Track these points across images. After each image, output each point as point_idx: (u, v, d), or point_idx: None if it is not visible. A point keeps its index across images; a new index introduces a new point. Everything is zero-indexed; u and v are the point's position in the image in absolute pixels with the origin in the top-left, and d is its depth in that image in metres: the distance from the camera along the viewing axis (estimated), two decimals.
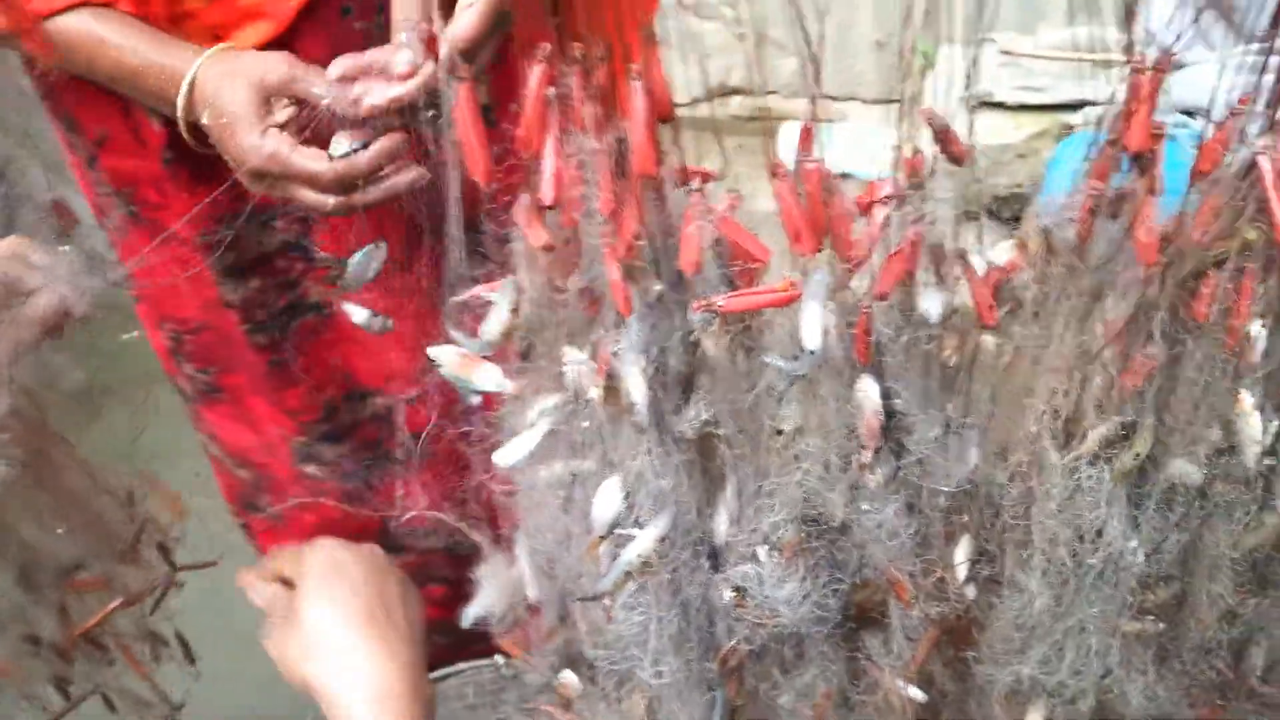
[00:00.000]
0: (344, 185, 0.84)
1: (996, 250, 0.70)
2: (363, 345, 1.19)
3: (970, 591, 0.78)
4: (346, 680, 0.78)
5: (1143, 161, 0.59)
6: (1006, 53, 1.81)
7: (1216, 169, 0.59)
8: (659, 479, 0.70)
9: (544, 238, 0.60)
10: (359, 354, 1.21)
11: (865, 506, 0.72)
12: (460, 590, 1.43)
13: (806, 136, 0.62)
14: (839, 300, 0.65)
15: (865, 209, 0.63)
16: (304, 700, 0.84)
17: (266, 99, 0.84)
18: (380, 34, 0.90)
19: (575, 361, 0.68)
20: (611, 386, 0.66)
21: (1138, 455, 0.68)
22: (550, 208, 0.60)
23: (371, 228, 1.02)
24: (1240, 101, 0.57)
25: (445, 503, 1.29)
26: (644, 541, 0.72)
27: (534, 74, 0.58)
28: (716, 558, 0.76)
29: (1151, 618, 0.77)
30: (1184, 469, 0.69)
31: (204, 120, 0.86)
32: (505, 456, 0.74)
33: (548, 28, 0.57)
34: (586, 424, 0.68)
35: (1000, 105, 2.00)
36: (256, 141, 0.83)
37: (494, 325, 0.70)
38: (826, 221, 0.61)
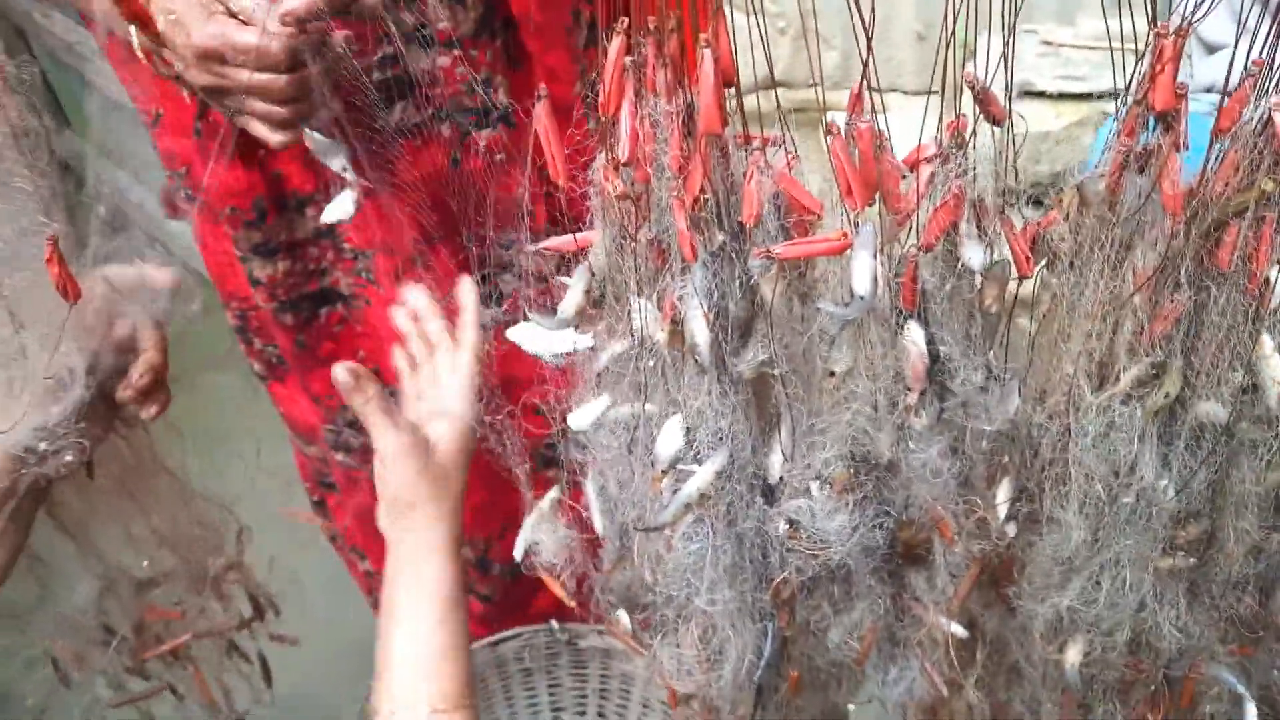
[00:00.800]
0: (294, 56, 0.86)
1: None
2: (392, 340, 1.20)
3: (1011, 529, 0.84)
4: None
5: (1167, 119, 0.64)
6: (1046, 43, 1.84)
7: (1235, 126, 0.64)
8: (718, 417, 0.76)
9: (620, 189, 0.67)
10: (386, 349, 1.22)
11: (911, 446, 0.78)
12: (493, 607, 1.49)
13: (857, 100, 0.68)
14: (888, 252, 0.71)
15: (913, 167, 0.69)
16: None
17: None
18: None
19: (642, 308, 0.75)
20: (676, 329, 0.72)
21: (1167, 395, 0.73)
22: (626, 164, 0.67)
23: (394, 224, 1.08)
24: (1255, 63, 0.62)
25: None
26: (703, 476, 0.78)
27: (614, 45, 0.64)
28: (770, 493, 0.82)
29: (1183, 553, 0.82)
30: (1211, 409, 0.74)
31: (160, 27, 0.87)
32: (578, 420, 0.81)
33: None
34: (652, 363, 0.74)
35: (1040, 94, 2.04)
36: (206, 29, 0.85)
37: (570, 305, 0.78)
38: (877, 177, 0.67)
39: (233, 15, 0.86)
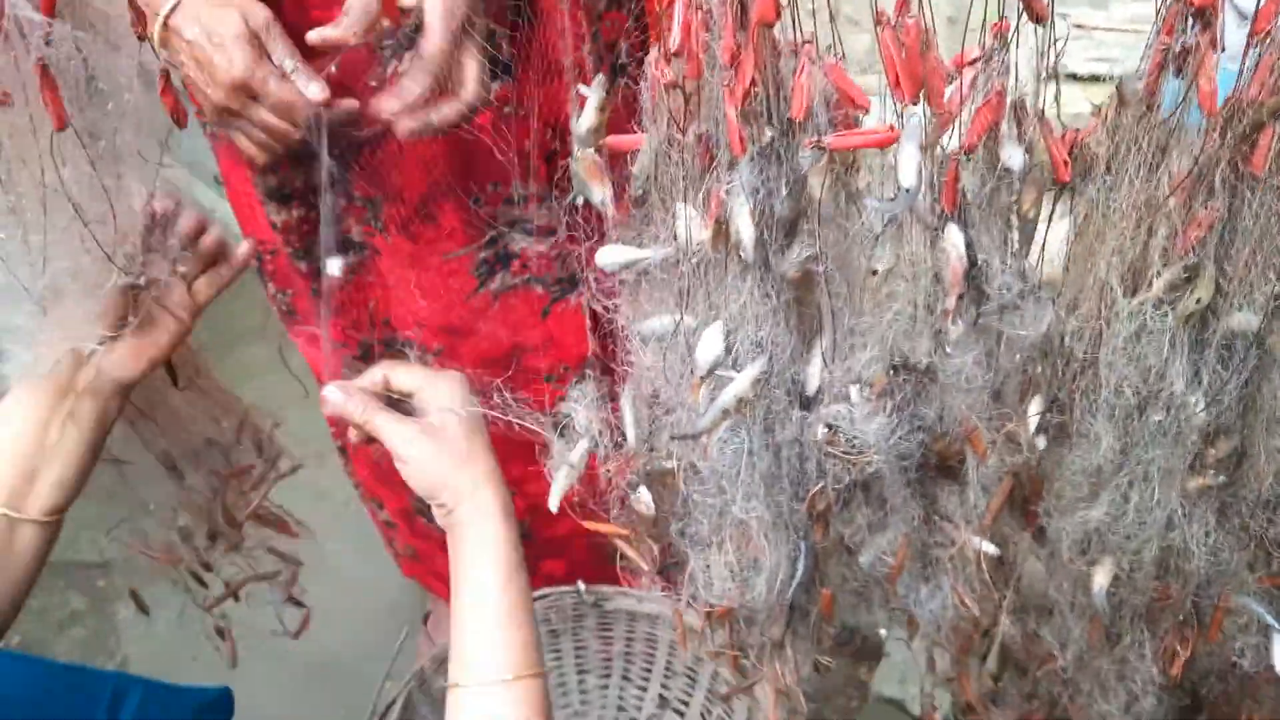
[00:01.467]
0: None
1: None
2: (400, 292, 1.25)
3: (1041, 442, 0.85)
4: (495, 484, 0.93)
5: (1205, 17, 0.66)
6: (1079, 26, 1.87)
7: (1270, 26, 0.66)
8: (759, 323, 0.78)
9: (670, 77, 0.69)
10: (397, 300, 1.26)
11: (948, 351, 0.79)
12: None
13: (904, 1, 0.70)
14: (930, 155, 0.73)
15: (959, 67, 0.71)
16: None
17: (253, 34, 0.93)
18: None
19: (685, 214, 0.77)
20: (721, 228, 0.74)
21: (1199, 300, 0.75)
22: (677, 55, 0.69)
23: (399, 179, 1.12)
24: None
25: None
26: (742, 382, 0.79)
27: None
28: (808, 404, 0.84)
29: (1212, 471, 0.83)
30: (1243, 318, 0.76)
31: (188, 37, 0.93)
32: (605, 257, 0.82)
33: None
34: (691, 267, 0.76)
35: (1072, 76, 2.06)
36: (250, 66, 0.92)
37: (586, 120, 0.79)
38: (923, 72, 0.69)
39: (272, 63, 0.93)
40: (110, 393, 0.94)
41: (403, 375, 0.98)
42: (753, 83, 0.69)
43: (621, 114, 1.07)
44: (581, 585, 1.43)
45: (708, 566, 0.91)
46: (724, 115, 0.70)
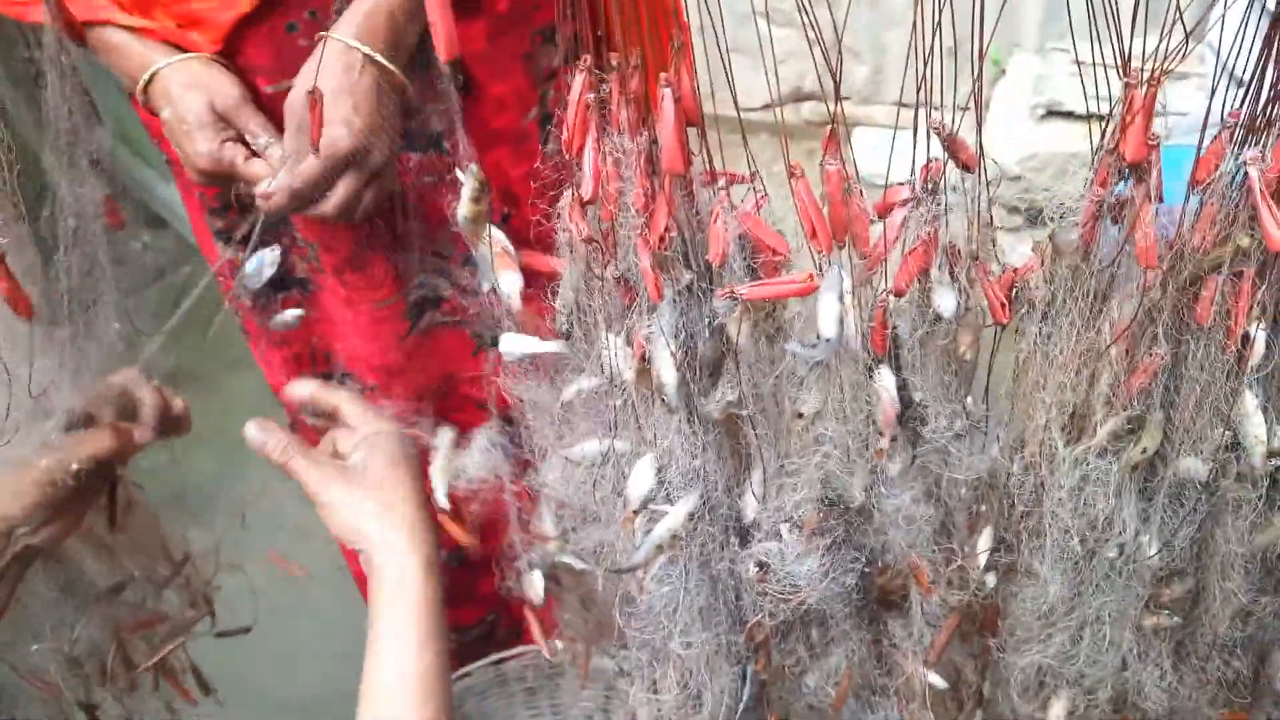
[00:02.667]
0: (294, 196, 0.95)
1: (1016, 253, 0.74)
2: (343, 328, 1.25)
3: (991, 580, 0.82)
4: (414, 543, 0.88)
5: (1140, 170, 0.63)
6: (1078, 63, 1.81)
7: (1211, 178, 0.63)
8: (690, 457, 0.76)
9: (585, 230, 0.67)
10: (338, 336, 1.27)
11: (884, 491, 0.76)
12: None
13: (831, 141, 0.67)
14: (859, 295, 0.70)
15: (883, 212, 0.68)
16: None
17: (219, 115, 0.96)
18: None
19: (613, 345, 0.74)
20: (645, 368, 0.72)
21: (1145, 450, 0.71)
22: (590, 202, 0.67)
23: (329, 232, 1.13)
24: (1231, 115, 0.61)
25: None
26: (675, 517, 0.77)
27: (577, 81, 0.64)
28: (745, 535, 0.81)
29: (1167, 612, 0.80)
30: (1191, 465, 0.72)
31: (163, 116, 0.98)
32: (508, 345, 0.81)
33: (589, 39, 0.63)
34: (620, 402, 0.74)
35: (1069, 114, 2.01)
36: (214, 150, 0.96)
37: (463, 210, 0.78)
38: (846, 220, 0.66)
39: (242, 140, 0.97)
40: (27, 560, 0.90)
41: (342, 402, 0.96)
42: (667, 229, 0.67)
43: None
44: (559, 644, 1.41)
45: (652, 695, 0.89)
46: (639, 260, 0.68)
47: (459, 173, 0.77)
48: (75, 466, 0.88)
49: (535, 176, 0.69)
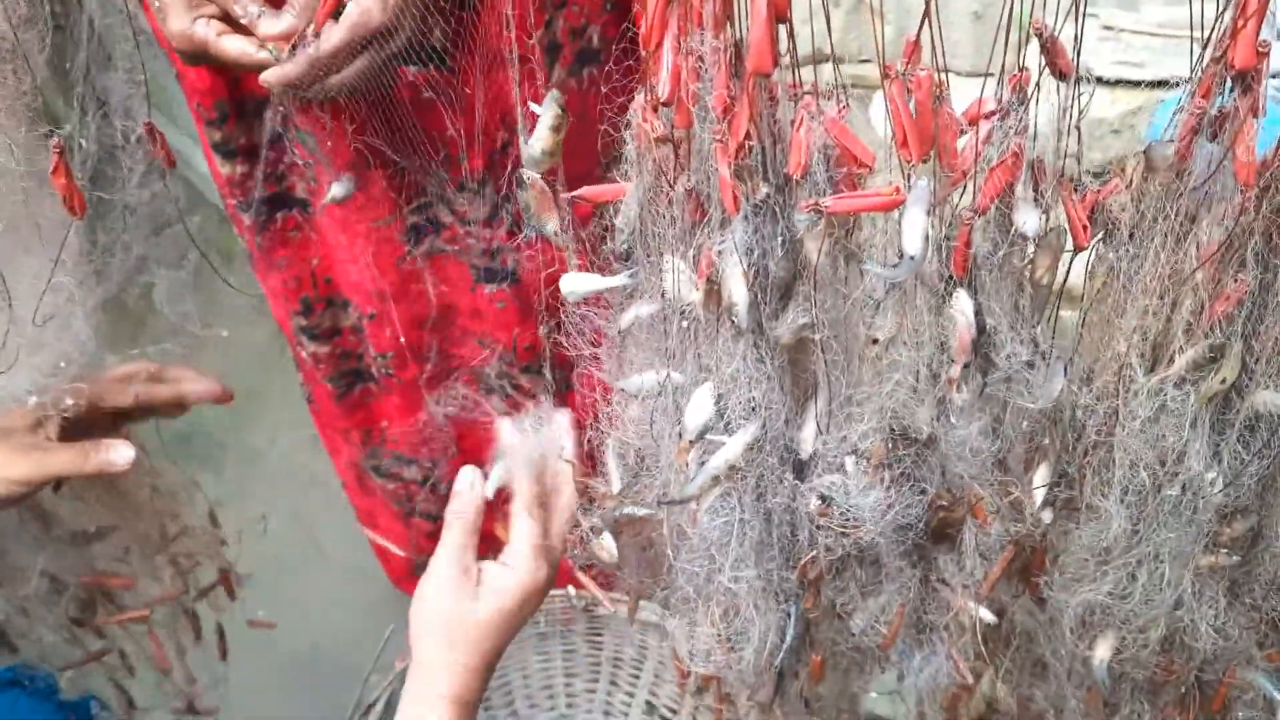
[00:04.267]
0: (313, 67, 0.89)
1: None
2: (340, 251, 1.22)
3: (1047, 516, 0.80)
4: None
5: (1245, 80, 0.61)
6: (1107, 27, 1.79)
7: None
8: (752, 386, 0.73)
9: (659, 130, 0.63)
10: (337, 260, 1.24)
11: (951, 421, 0.74)
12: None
13: (913, 49, 0.64)
14: (938, 213, 0.67)
15: (972, 122, 0.65)
16: None
17: None
18: None
19: (675, 268, 0.71)
20: (712, 288, 0.69)
21: (1224, 380, 0.69)
22: (666, 104, 0.63)
23: (327, 146, 1.07)
24: None
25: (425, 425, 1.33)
26: (734, 447, 0.74)
27: None
28: (801, 469, 0.78)
29: (1226, 550, 0.78)
30: (1269, 398, 0.71)
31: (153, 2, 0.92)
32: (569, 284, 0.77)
33: None
34: (685, 324, 0.71)
35: (1097, 80, 1.98)
36: (186, 28, 0.90)
37: (538, 142, 0.73)
38: (934, 129, 0.63)
39: (225, 18, 0.90)
40: None
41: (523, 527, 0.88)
42: (747, 136, 0.63)
43: (583, 104, 1.01)
44: (572, 590, 1.40)
45: (692, 629, 0.86)
46: (716, 171, 0.64)
47: (532, 105, 0.72)
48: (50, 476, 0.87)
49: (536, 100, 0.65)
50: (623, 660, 1.43)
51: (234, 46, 0.90)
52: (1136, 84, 1.52)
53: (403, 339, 1.27)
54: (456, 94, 0.97)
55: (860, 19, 1.77)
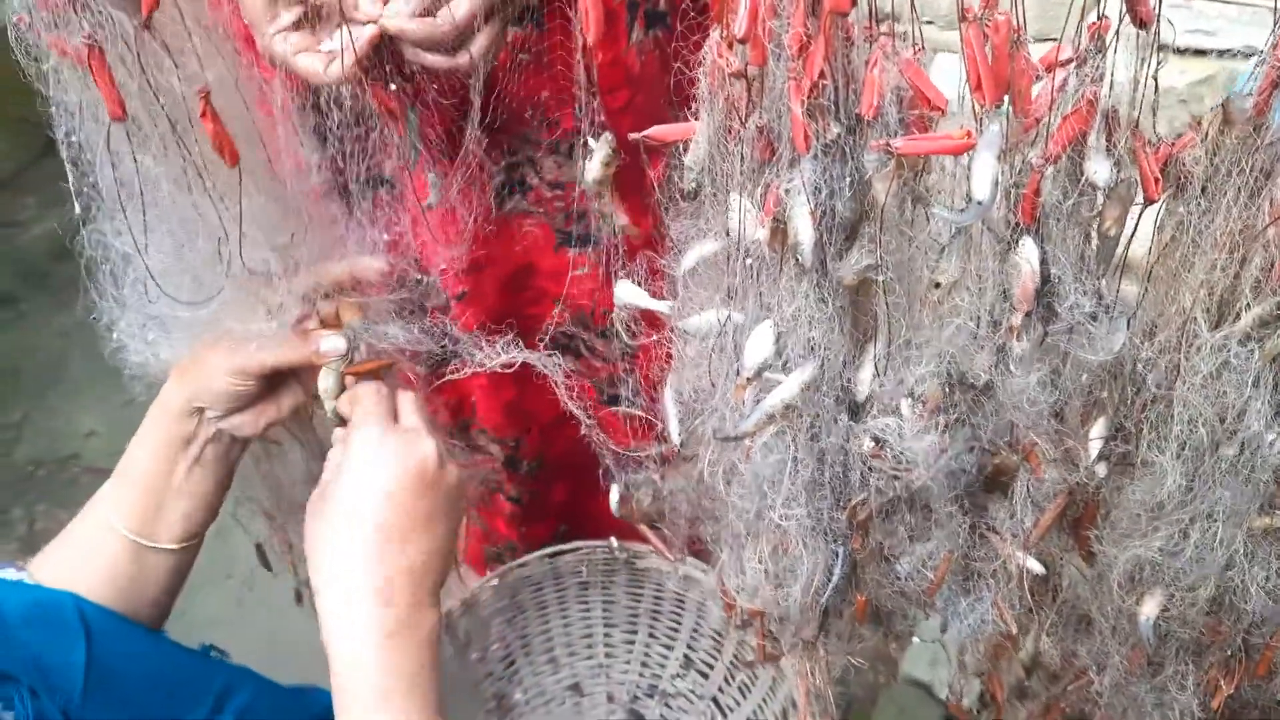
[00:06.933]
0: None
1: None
2: (426, 228, 1.22)
3: (1101, 470, 0.80)
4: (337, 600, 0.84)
5: None
6: None
7: None
8: (812, 326, 0.73)
9: (735, 65, 0.64)
10: (424, 235, 1.23)
11: (1011, 370, 0.74)
12: (520, 508, 1.50)
13: None
14: (1008, 160, 0.67)
15: (1049, 68, 0.65)
16: None
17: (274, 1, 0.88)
18: None
19: (740, 208, 0.72)
20: (778, 227, 0.69)
21: None
22: (743, 40, 0.63)
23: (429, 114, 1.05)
24: None
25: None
26: (790, 386, 0.75)
27: None
28: (856, 411, 0.79)
29: None
30: None
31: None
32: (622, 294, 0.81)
33: None
34: (750, 262, 0.72)
35: (1170, 49, 1.94)
36: (266, 44, 0.89)
37: (591, 172, 0.77)
38: (1010, 74, 0.63)
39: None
40: (231, 443, 0.95)
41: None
42: (821, 75, 0.64)
43: (654, 66, 1.00)
44: (614, 541, 1.42)
45: (740, 563, 0.88)
46: (788, 108, 0.65)
47: (590, 140, 0.74)
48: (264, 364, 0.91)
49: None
50: (662, 614, 1.45)
51: (304, 65, 0.89)
52: (1206, 53, 1.48)
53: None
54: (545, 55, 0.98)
55: None
